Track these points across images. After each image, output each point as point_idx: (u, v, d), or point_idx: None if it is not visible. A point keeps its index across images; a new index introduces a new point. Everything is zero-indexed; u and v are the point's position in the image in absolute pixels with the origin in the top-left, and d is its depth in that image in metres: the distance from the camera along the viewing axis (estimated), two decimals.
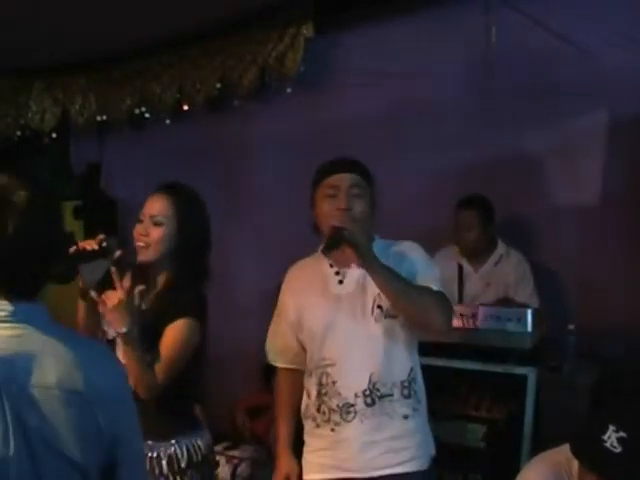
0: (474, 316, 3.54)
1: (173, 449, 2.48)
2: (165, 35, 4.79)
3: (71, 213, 5.52)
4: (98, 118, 5.50)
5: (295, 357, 2.67)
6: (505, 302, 3.83)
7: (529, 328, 3.43)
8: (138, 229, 2.55)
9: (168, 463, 2.46)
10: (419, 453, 2.51)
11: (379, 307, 2.46)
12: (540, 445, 2.85)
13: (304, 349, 2.61)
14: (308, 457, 2.62)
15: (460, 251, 4.07)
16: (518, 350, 3.40)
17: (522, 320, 3.44)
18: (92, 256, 2.33)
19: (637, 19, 3.75)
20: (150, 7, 4.12)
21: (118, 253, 2.37)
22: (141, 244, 2.54)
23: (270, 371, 4.68)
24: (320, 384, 2.52)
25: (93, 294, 2.34)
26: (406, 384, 2.48)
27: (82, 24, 4.34)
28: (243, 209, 4.90)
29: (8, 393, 1.37)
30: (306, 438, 2.64)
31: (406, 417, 2.47)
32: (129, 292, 2.32)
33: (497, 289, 3.96)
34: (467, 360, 3.47)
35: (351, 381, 2.47)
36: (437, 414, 2.88)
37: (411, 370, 2.50)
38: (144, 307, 2.44)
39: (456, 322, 3.47)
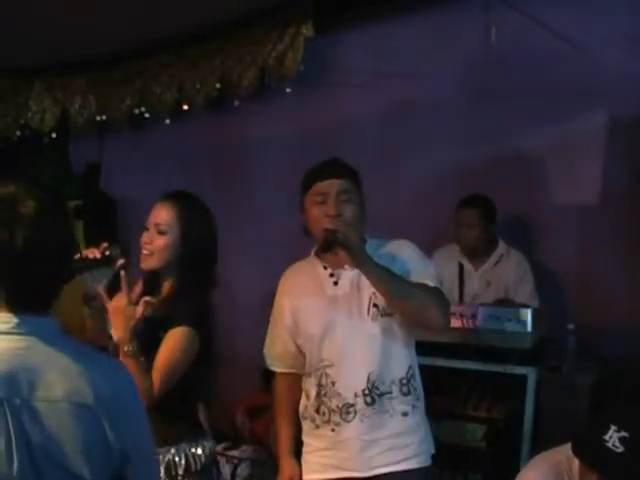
0: (474, 316, 3.54)
1: (171, 456, 2.47)
2: (165, 35, 4.78)
3: (71, 213, 5.51)
4: (98, 118, 5.50)
5: (293, 361, 2.67)
6: (505, 302, 3.83)
7: (529, 328, 3.44)
8: (144, 237, 2.56)
9: (166, 470, 2.45)
10: (420, 450, 2.52)
11: (375, 306, 2.46)
12: (540, 445, 2.85)
13: (302, 352, 2.61)
14: (308, 457, 2.62)
15: (461, 250, 4.07)
16: (518, 350, 3.40)
17: (522, 320, 3.44)
18: (95, 264, 2.33)
19: (637, 19, 3.75)
20: (150, 7, 4.12)
21: (121, 261, 2.37)
22: (146, 252, 2.55)
23: (269, 371, 4.70)
24: (319, 385, 2.52)
25: (96, 301, 2.34)
26: (404, 381, 2.49)
27: (82, 24, 4.34)
28: (243, 209, 4.89)
29: (11, 407, 1.35)
30: (305, 439, 2.65)
31: (405, 414, 2.48)
32: (131, 298, 2.32)
33: (497, 289, 3.96)
34: (467, 360, 3.47)
35: (350, 381, 2.47)
36: (437, 414, 2.89)
37: (409, 367, 2.51)
38: (148, 314, 2.45)
39: (456, 322, 3.48)
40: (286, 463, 2.69)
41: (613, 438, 2.07)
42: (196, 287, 2.52)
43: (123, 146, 5.68)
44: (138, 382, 2.28)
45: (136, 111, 5.32)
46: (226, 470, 4.35)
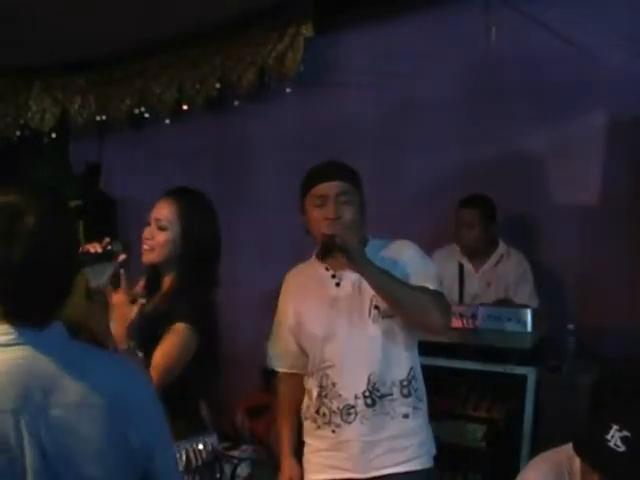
0: (474, 316, 3.54)
1: None
2: (165, 35, 4.78)
3: (75, 221, 5.51)
4: (98, 118, 5.50)
5: (295, 361, 2.67)
6: (505, 302, 3.83)
7: (529, 328, 3.44)
8: (145, 232, 2.57)
9: None
10: (421, 452, 2.52)
11: (376, 308, 2.46)
12: (540, 445, 2.85)
13: (304, 353, 2.61)
14: (309, 457, 2.63)
15: (461, 250, 4.07)
16: (518, 350, 3.40)
17: (522, 320, 3.44)
18: (96, 259, 2.33)
19: (637, 19, 3.75)
20: (150, 7, 4.12)
21: (123, 257, 2.37)
22: (146, 247, 2.57)
23: (270, 371, 4.69)
24: (320, 386, 2.53)
25: (99, 296, 2.35)
26: (405, 383, 2.49)
27: (82, 24, 4.33)
28: (243, 209, 4.89)
29: (24, 418, 1.33)
30: (306, 439, 2.65)
31: (406, 416, 2.48)
32: (130, 295, 2.32)
33: (498, 289, 3.96)
34: (467, 360, 3.47)
35: (351, 382, 2.47)
36: (437, 414, 2.88)
37: (410, 369, 2.51)
38: (147, 310, 2.45)
39: (456, 322, 3.48)
40: (286, 463, 2.69)
41: (615, 438, 2.07)
42: (196, 285, 2.53)
43: (123, 146, 5.68)
44: None
45: (136, 111, 5.32)
46: (226, 470, 4.35)
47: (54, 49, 4.88)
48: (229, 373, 4.42)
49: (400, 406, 2.47)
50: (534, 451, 2.89)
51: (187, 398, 2.55)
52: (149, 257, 2.56)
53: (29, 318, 1.39)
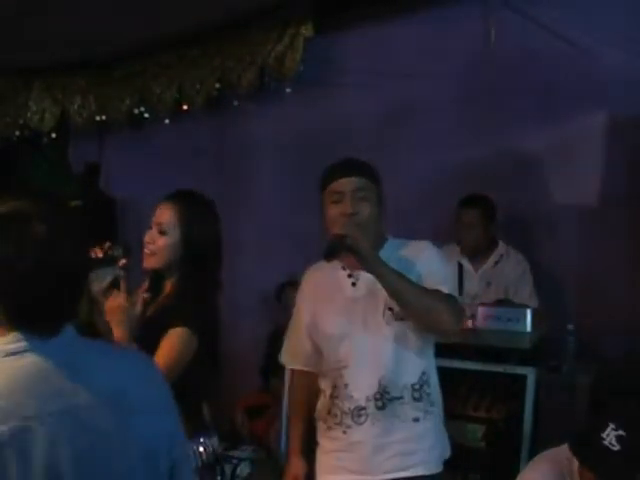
0: (474, 316, 3.54)
1: None
2: (164, 35, 4.79)
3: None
4: (97, 118, 5.50)
5: (310, 359, 2.65)
6: (505, 302, 3.82)
7: (528, 328, 3.43)
8: (146, 236, 2.57)
9: None
10: (430, 457, 2.49)
11: (390, 309, 2.43)
12: (539, 445, 2.85)
13: (319, 352, 2.59)
14: (320, 458, 2.61)
15: (461, 250, 4.06)
16: (518, 350, 3.40)
17: (521, 320, 3.43)
18: (97, 263, 2.34)
19: (636, 20, 3.75)
20: (149, 7, 4.12)
21: (123, 261, 2.37)
22: (147, 251, 2.56)
23: (268, 371, 4.70)
24: (333, 386, 2.51)
25: (103, 299, 2.35)
26: (417, 387, 2.46)
27: (81, 24, 4.34)
28: (243, 209, 4.89)
29: (46, 423, 1.31)
30: (319, 439, 2.63)
31: (417, 420, 2.45)
32: (129, 299, 2.33)
33: (497, 289, 3.96)
34: (467, 360, 3.47)
35: (362, 384, 2.45)
36: None
37: (422, 373, 2.48)
38: (148, 313, 2.46)
39: None
40: (293, 461, 2.69)
41: (610, 436, 2.07)
42: (197, 288, 2.52)
43: (123, 146, 5.68)
44: None
45: (136, 111, 5.33)
46: (226, 470, 4.35)
47: (54, 49, 4.88)
48: (228, 373, 4.42)
49: (411, 410, 2.45)
50: (534, 451, 2.90)
51: (188, 400, 2.54)
52: (150, 262, 2.56)
53: (41, 324, 1.37)
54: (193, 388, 2.52)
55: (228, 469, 4.31)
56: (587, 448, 2.14)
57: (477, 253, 4.05)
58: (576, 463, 2.18)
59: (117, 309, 2.31)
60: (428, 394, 2.49)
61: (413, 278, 2.36)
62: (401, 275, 2.32)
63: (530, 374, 3.33)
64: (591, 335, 3.59)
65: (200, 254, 2.55)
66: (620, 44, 3.75)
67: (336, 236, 2.32)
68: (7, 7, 4.00)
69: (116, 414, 1.38)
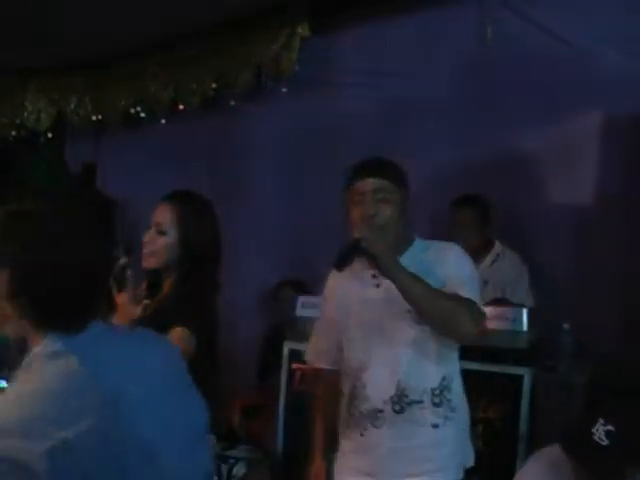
0: None
1: None
2: (161, 35, 4.78)
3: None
4: (94, 118, 5.50)
5: (334, 358, 2.62)
6: (501, 302, 3.82)
7: (525, 328, 3.43)
8: (145, 236, 2.57)
9: None
10: (449, 463, 2.45)
11: (410, 312, 2.39)
12: (536, 445, 2.85)
13: (341, 350, 2.57)
14: (340, 458, 2.59)
15: None
16: (514, 350, 3.40)
17: (518, 320, 3.43)
18: None
19: (634, 19, 3.75)
20: (146, 7, 4.12)
21: (124, 260, 2.38)
22: (146, 251, 2.56)
23: (265, 371, 4.70)
24: (353, 387, 2.49)
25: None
26: (437, 392, 2.42)
27: (78, 24, 4.34)
28: (239, 209, 4.89)
29: (106, 417, 1.32)
30: (340, 439, 2.61)
31: (436, 426, 2.41)
32: (133, 297, 2.33)
33: (494, 288, 3.95)
34: (463, 360, 3.46)
35: (380, 386, 2.42)
36: None
37: (443, 378, 2.44)
38: (146, 313, 2.46)
39: None
40: (315, 462, 2.67)
41: (599, 431, 2.07)
42: (195, 288, 2.52)
43: (119, 146, 5.68)
44: None
45: (132, 111, 5.33)
46: (222, 470, 4.35)
47: (49, 49, 4.88)
48: (225, 372, 4.42)
49: (430, 415, 2.41)
50: (530, 451, 2.89)
51: None
52: (149, 262, 2.56)
53: (70, 323, 1.38)
54: None
55: (224, 469, 4.31)
56: (576, 443, 2.14)
57: (473, 253, 4.03)
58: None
59: (121, 308, 2.31)
60: (449, 400, 2.44)
61: (436, 280, 2.33)
62: (418, 279, 2.29)
63: (526, 374, 3.33)
64: (588, 335, 3.59)
65: (198, 254, 2.55)
66: (618, 44, 3.75)
67: (353, 240, 2.31)
68: (4, 7, 4.00)
69: (165, 394, 1.42)
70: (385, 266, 2.30)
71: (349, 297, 2.55)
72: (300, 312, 3.82)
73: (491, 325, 3.47)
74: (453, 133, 4.18)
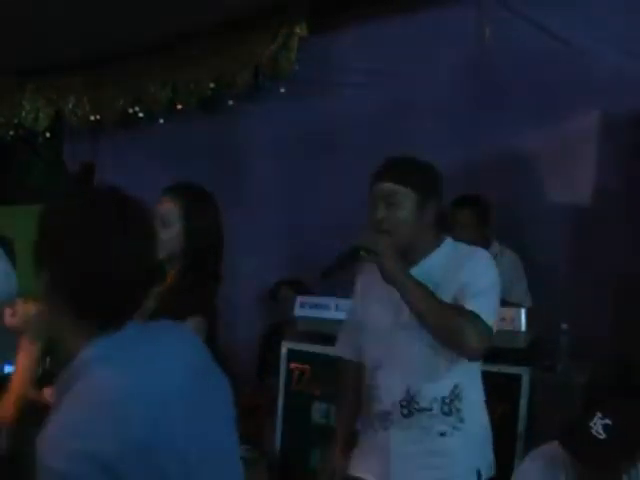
0: None
1: None
2: (159, 35, 4.78)
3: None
4: (92, 118, 5.50)
5: (358, 351, 2.62)
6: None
7: (523, 328, 3.42)
8: None
9: None
10: (456, 472, 2.41)
11: None
12: (534, 444, 2.85)
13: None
14: (354, 454, 2.58)
15: None
16: (512, 350, 3.39)
17: (516, 320, 3.42)
18: None
19: (632, 19, 3.75)
20: (144, 8, 4.12)
21: None
22: None
23: (263, 370, 4.70)
24: (369, 385, 2.49)
25: None
26: (447, 401, 2.38)
27: (76, 24, 4.33)
28: (237, 208, 4.88)
29: (176, 406, 1.35)
30: (359, 436, 2.61)
31: (443, 434, 2.38)
32: None
33: None
34: None
35: (391, 388, 2.41)
36: None
37: (455, 387, 2.39)
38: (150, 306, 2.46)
39: None
40: (333, 457, 2.67)
41: (597, 425, 2.08)
42: (199, 280, 2.53)
43: (117, 146, 5.68)
44: None
45: (130, 111, 5.33)
46: None
47: (47, 49, 4.87)
48: (225, 372, 4.43)
49: (438, 423, 2.38)
50: (529, 450, 2.89)
51: None
52: None
53: (108, 323, 1.38)
54: None
55: None
56: (574, 437, 2.14)
57: None
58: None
59: None
60: (459, 409, 2.39)
61: (453, 285, 2.31)
62: (421, 287, 2.27)
63: (525, 374, 3.32)
64: (586, 335, 3.59)
65: (202, 246, 2.56)
66: (617, 44, 3.75)
67: (350, 248, 2.31)
68: (4, 7, 4.00)
69: (200, 387, 1.44)
70: (386, 272, 2.29)
71: (369, 297, 2.54)
72: (298, 312, 3.82)
73: None
74: (452, 133, 4.18)
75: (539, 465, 2.37)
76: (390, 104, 4.39)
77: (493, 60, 4.03)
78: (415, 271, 2.38)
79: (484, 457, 2.49)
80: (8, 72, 5.48)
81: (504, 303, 3.74)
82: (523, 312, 3.43)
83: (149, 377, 1.35)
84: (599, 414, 2.09)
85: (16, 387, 3.09)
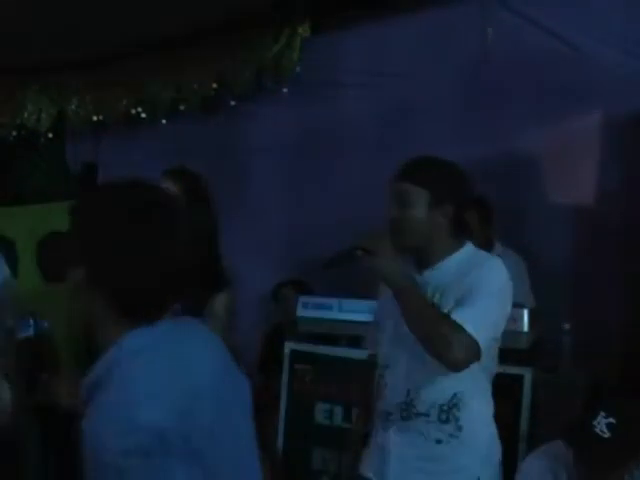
0: None
1: None
2: (161, 35, 4.79)
3: (68, 213, 5.51)
4: (94, 118, 5.50)
5: None
6: None
7: (525, 328, 3.42)
8: None
9: None
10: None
11: None
12: (536, 445, 2.85)
13: None
14: (364, 453, 2.58)
15: None
16: (514, 350, 3.39)
17: (518, 320, 3.43)
18: None
19: (632, 20, 3.76)
20: (147, 7, 4.12)
21: None
22: None
23: (265, 370, 4.69)
24: (379, 383, 2.48)
25: None
26: (445, 408, 2.34)
27: (78, 24, 4.34)
28: (240, 209, 4.89)
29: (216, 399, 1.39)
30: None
31: (439, 442, 2.35)
32: None
33: None
34: None
35: (395, 389, 2.40)
36: None
37: (454, 395, 2.34)
38: None
39: None
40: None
41: (601, 424, 2.08)
42: (202, 260, 2.56)
43: (119, 146, 5.68)
44: None
45: (133, 111, 5.33)
46: None
47: (50, 49, 4.88)
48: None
49: (435, 430, 2.35)
50: (530, 451, 2.89)
51: None
52: None
53: (146, 317, 1.39)
54: None
55: None
56: (578, 435, 2.15)
57: None
58: (572, 454, 2.19)
59: None
60: (457, 418, 2.34)
61: (459, 292, 2.27)
62: (415, 293, 2.26)
63: (527, 374, 3.32)
64: (588, 335, 3.59)
65: (202, 227, 2.61)
66: (618, 44, 3.76)
67: (349, 247, 2.31)
68: (5, 7, 4.00)
69: (228, 384, 1.47)
70: (379, 273, 2.28)
71: (387, 295, 2.50)
72: (301, 312, 3.82)
73: None
74: (454, 133, 4.18)
75: (542, 464, 2.37)
76: (393, 104, 4.39)
77: (495, 60, 4.03)
78: (429, 274, 2.37)
79: (487, 467, 2.43)
80: (11, 72, 5.48)
81: None
82: (526, 312, 3.43)
83: (182, 370, 1.37)
84: (603, 413, 2.10)
85: None
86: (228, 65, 4.79)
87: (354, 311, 3.51)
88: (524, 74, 4.01)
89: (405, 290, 2.26)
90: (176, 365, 1.37)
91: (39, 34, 4.46)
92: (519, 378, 3.33)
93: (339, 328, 3.57)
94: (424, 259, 2.39)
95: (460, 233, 2.45)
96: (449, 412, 2.35)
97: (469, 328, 2.19)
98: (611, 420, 2.08)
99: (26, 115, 5.64)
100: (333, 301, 3.68)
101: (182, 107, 5.09)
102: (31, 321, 3.83)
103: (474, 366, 2.32)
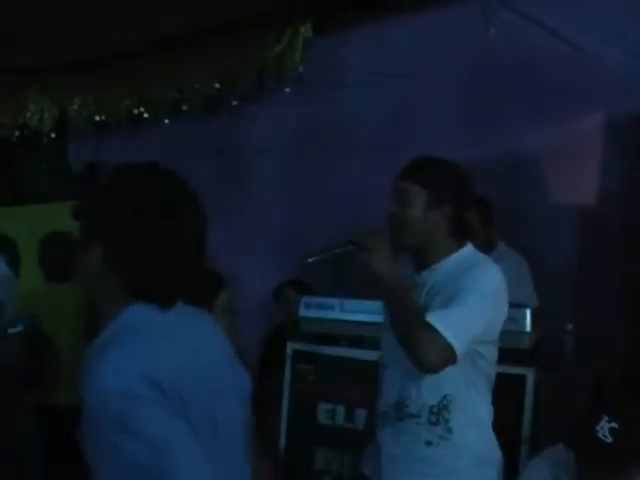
0: None
1: None
2: (164, 35, 4.79)
3: (70, 213, 5.51)
4: (97, 118, 5.50)
5: None
6: None
7: (527, 328, 3.42)
8: None
9: None
10: None
11: None
12: (539, 445, 2.85)
13: None
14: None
15: None
16: (517, 350, 3.39)
17: (520, 320, 3.42)
18: None
19: (634, 20, 3.76)
20: (149, 7, 4.12)
21: None
22: None
23: (266, 370, 4.69)
24: (379, 383, 2.49)
25: None
26: (435, 410, 2.34)
27: (80, 24, 4.34)
28: (242, 209, 4.90)
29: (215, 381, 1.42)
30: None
31: (429, 444, 2.35)
32: None
33: None
34: None
35: (391, 389, 2.41)
36: None
37: (444, 397, 2.33)
38: None
39: None
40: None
41: (604, 429, 2.08)
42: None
43: (122, 146, 5.68)
44: None
45: (135, 111, 5.33)
46: None
47: (52, 49, 4.88)
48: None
49: (425, 432, 2.35)
50: (533, 451, 2.89)
51: None
52: None
53: (159, 300, 1.41)
54: None
55: None
56: (580, 440, 2.14)
57: None
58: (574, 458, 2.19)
59: None
60: (447, 420, 2.34)
61: (449, 294, 2.25)
62: (401, 295, 2.25)
63: (529, 374, 3.32)
64: (591, 335, 3.59)
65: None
66: (619, 44, 3.76)
67: (344, 241, 2.31)
68: (6, 6, 4.00)
69: (227, 374, 1.50)
70: (367, 269, 2.25)
71: None
72: (303, 312, 3.81)
73: None
74: (456, 133, 4.18)
75: (544, 469, 2.36)
76: (394, 104, 4.39)
77: (496, 61, 4.03)
78: (427, 274, 2.37)
79: (482, 471, 2.41)
80: (13, 72, 5.48)
81: (509, 304, 3.76)
82: (528, 312, 3.42)
83: (186, 346, 1.40)
84: (606, 417, 2.09)
85: None
86: (230, 65, 4.79)
87: (356, 311, 3.50)
88: (525, 74, 4.01)
89: (389, 290, 2.24)
90: (181, 341, 1.39)
91: (39, 34, 4.46)
92: (521, 378, 3.32)
93: (341, 328, 3.57)
94: (423, 259, 2.39)
95: (461, 234, 2.45)
96: (439, 414, 2.34)
97: (442, 330, 2.18)
98: (614, 425, 2.08)
99: (28, 115, 5.65)
100: (335, 301, 3.68)
101: (184, 107, 5.09)
102: (22, 316, 3.82)
103: (468, 368, 2.32)
